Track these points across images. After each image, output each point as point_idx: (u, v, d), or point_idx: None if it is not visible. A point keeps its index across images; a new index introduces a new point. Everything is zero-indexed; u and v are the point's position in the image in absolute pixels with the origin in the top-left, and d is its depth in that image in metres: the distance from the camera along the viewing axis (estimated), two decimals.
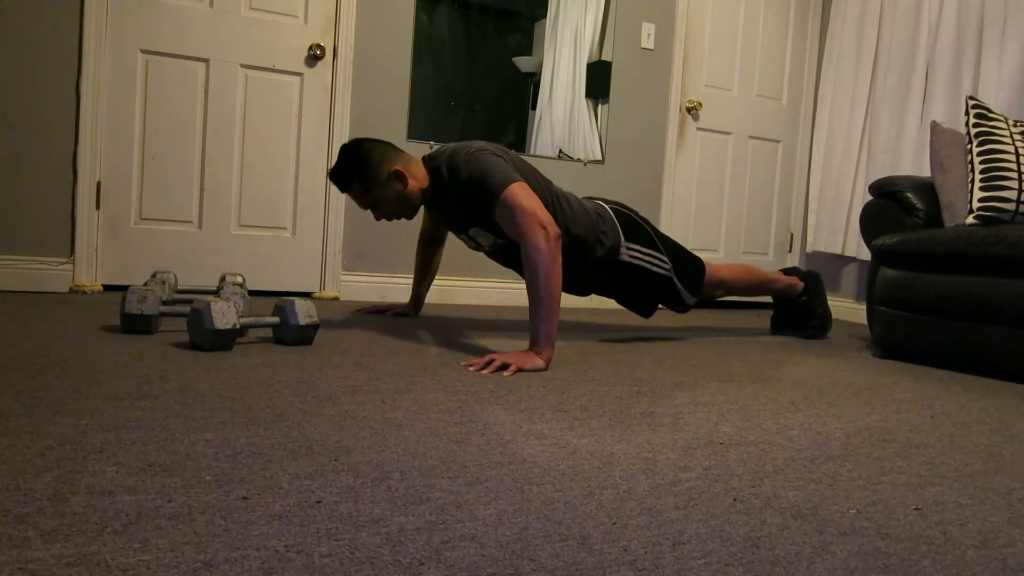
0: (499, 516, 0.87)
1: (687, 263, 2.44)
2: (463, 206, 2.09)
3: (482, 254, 2.32)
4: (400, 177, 2.10)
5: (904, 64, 3.48)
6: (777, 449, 1.26)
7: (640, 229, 2.35)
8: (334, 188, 3.06)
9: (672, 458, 1.16)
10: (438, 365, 1.79)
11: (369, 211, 2.19)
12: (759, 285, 2.72)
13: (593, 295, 2.45)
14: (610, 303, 3.37)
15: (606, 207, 2.33)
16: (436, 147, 2.18)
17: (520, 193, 1.90)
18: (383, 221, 2.82)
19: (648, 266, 2.33)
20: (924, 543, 0.89)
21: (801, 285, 2.81)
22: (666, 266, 2.36)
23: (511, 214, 1.89)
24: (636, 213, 2.40)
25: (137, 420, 1.16)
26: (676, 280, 2.39)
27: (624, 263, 2.30)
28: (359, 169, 2.11)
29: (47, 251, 2.69)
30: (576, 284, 2.33)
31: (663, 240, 2.40)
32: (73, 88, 2.68)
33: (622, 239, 2.28)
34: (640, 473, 1.07)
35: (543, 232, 1.83)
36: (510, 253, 2.17)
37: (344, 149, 2.15)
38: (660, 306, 2.54)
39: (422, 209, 2.51)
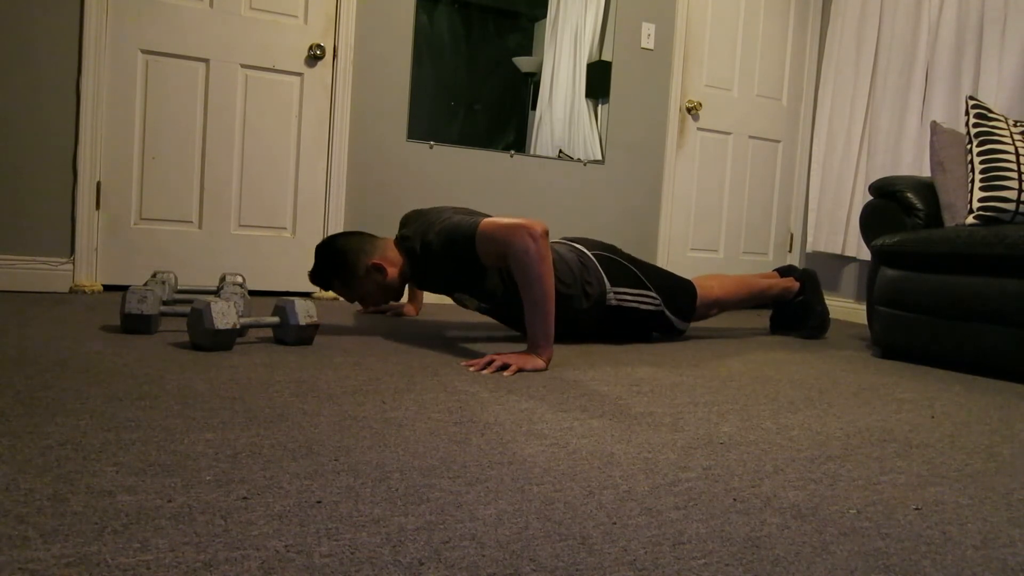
0: (499, 516, 0.87)
1: (677, 292, 2.44)
2: (444, 275, 2.11)
3: None
4: (379, 269, 2.14)
5: (904, 64, 3.48)
6: (777, 449, 1.26)
7: (625, 270, 2.33)
8: (334, 186, 3.07)
9: (672, 458, 1.16)
10: (438, 365, 1.78)
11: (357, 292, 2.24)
12: (754, 296, 2.71)
13: None
14: None
15: (588, 254, 2.29)
16: (408, 212, 2.28)
17: (490, 220, 1.91)
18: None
19: (637, 306, 2.32)
20: (924, 543, 0.89)
21: (797, 285, 2.81)
22: (655, 301, 2.36)
23: (491, 239, 1.87)
24: (619, 253, 2.38)
25: (137, 420, 1.16)
26: (667, 312, 2.39)
27: (613, 307, 2.28)
28: (337, 269, 2.14)
29: (47, 251, 2.69)
30: (567, 333, 2.29)
31: (650, 276, 2.38)
32: (73, 88, 2.68)
33: (607, 285, 2.26)
34: (640, 473, 1.07)
35: (526, 232, 1.80)
36: (499, 312, 2.21)
37: (319, 251, 2.17)
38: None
39: None
